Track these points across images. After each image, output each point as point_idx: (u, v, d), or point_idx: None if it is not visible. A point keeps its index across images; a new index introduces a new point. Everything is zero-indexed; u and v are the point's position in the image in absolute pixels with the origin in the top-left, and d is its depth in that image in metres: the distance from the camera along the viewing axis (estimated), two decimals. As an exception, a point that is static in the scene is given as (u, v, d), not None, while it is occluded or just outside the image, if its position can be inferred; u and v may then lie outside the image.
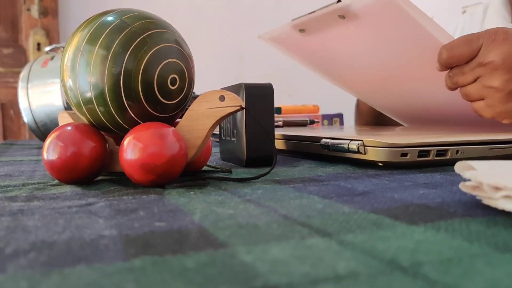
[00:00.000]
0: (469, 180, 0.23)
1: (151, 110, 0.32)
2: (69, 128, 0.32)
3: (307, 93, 2.10)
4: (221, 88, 0.42)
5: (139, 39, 0.31)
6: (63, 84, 0.33)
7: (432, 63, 0.50)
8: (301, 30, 0.61)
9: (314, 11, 0.56)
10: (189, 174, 0.36)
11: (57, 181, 0.34)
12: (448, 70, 0.49)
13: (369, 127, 0.73)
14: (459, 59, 0.47)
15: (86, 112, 0.32)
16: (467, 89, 0.48)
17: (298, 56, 0.71)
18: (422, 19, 0.47)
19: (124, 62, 0.31)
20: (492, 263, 0.15)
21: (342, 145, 0.40)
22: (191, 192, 0.29)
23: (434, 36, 0.48)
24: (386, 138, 0.38)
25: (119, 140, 0.34)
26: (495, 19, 0.89)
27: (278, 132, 0.54)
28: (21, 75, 0.76)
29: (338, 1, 0.52)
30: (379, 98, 0.73)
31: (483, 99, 0.47)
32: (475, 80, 0.47)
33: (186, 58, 0.34)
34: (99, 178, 0.36)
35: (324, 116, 0.94)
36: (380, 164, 0.38)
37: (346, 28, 0.55)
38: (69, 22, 1.84)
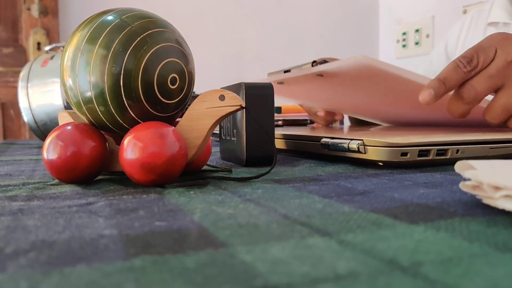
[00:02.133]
0: (469, 179, 0.23)
1: (151, 110, 0.32)
2: (69, 127, 0.32)
3: (307, 93, 2.10)
4: (221, 88, 0.42)
5: (139, 38, 0.31)
6: (63, 84, 0.33)
7: (416, 98, 0.48)
8: (280, 83, 0.61)
9: (289, 70, 0.56)
10: (189, 173, 0.36)
11: (57, 180, 0.34)
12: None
13: (369, 126, 0.73)
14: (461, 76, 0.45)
15: (86, 112, 0.32)
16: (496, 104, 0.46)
17: (280, 96, 0.72)
18: (399, 71, 0.47)
19: (124, 62, 0.31)
20: (492, 263, 0.15)
21: (342, 144, 0.40)
22: (191, 192, 0.29)
23: (414, 81, 0.47)
24: (386, 138, 0.38)
25: (119, 140, 0.34)
26: (499, 12, 0.89)
27: (278, 132, 0.54)
28: (21, 74, 0.76)
29: (313, 63, 0.51)
30: (367, 116, 0.74)
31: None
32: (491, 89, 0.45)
33: (186, 58, 0.34)
34: (99, 177, 0.36)
35: (324, 116, 0.94)
36: (380, 163, 0.38)
37: (325, 81, 0.54)
38: (69, 22, 1.84)
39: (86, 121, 0.34)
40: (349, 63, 0.48)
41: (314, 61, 0.50)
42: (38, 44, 1.78)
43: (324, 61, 0.50)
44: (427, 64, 1.09)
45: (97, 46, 0.31)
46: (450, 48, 1.04)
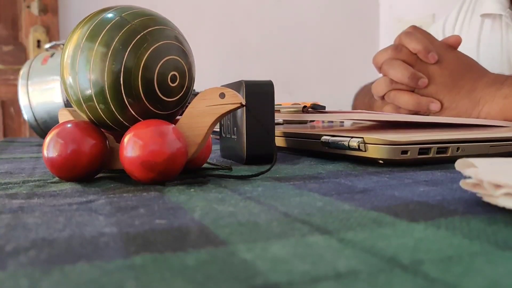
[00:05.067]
0: (469, 177, 0.23)
1: (151, 108, 0.32)
2: (69, 125, 0.32)
3: (307, 91, 2.10)
4: (221, 85, 0.42)
5: (139, 36, 0.31)
6: (63, 82, 0.33)
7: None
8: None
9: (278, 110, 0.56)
10: (189, 171, 0.36)
11: (57, 178, 0.34)
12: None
13: (369, 125, 0.73)
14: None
15: (86, 110, 0.32)
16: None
17: None
18: (393, 117, 0.53)
19: (124, 59, 0.31)
20: (493, 261, 0.15)
21: (342, 142, 0.40)
22: (192, 190, 0.29)
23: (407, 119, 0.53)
24: (386, 136, 0.38)
25: (119, 138, 0.34)
26: (492, 4, 0.88)
27: (278, 130, 0.54)
28: (21, 72, 0.76)
29: (303, 108, 0.51)
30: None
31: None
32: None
33: (186, 55, 0.34)
34: (99, 175, 0.36)
35: (325, 114, 0.94)
36: (381, 161, 0.38)
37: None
38: (69, 19, 1.83)
39: (86, 119, 0.34)
40: (345, 116, 0.52)
41: (304, 106, 0.51)
42: (38, 42, 1.78)
43: (314, 105, 0.50)
44: None
45: (97, 44, 0.31)
46: (447, 30, 1.03)
